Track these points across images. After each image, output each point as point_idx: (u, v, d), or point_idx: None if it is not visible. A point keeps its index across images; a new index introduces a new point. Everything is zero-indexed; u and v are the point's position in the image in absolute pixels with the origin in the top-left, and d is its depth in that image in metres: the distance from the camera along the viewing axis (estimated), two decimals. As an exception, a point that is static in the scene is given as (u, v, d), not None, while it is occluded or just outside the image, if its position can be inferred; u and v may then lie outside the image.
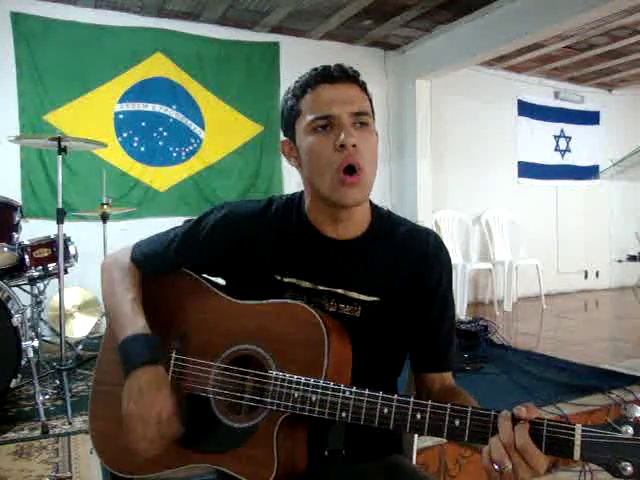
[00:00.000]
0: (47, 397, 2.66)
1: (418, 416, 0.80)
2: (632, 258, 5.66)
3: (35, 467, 2.00)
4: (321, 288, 1.01)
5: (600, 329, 4.76)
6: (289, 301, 0.96)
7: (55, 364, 2.77)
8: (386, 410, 0.82)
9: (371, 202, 1.07)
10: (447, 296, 1.05)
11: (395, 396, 0.82)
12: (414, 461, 1.14)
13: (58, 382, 2.76)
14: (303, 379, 0.87)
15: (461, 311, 4.96)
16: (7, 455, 2.10)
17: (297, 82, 1.00)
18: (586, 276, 6.84)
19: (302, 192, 1.07)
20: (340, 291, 1.01)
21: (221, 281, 1.10)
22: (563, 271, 6.56)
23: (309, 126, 0.96)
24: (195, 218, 1.09)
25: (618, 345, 4.10)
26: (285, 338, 0.92)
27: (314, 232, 1.03)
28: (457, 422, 0.78)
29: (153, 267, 1.08)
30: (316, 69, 0.98)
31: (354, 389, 0.85)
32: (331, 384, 0.86)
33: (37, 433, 2.29)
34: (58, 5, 4.22)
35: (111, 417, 1.04)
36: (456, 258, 5.50)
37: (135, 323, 0.97)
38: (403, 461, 1.07)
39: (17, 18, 4.10)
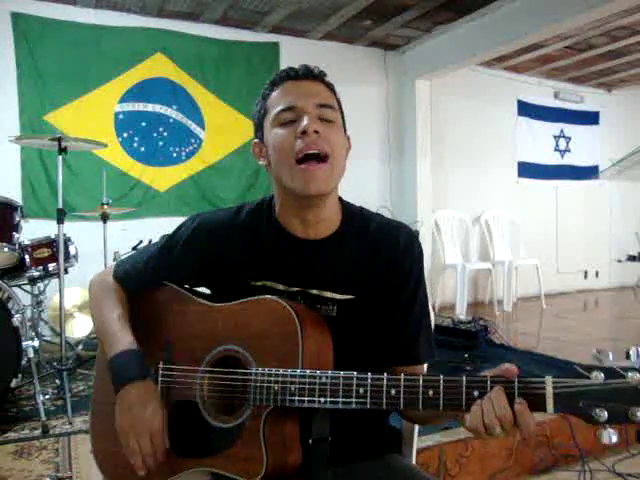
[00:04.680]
0: (47, 397, 2.66)
1: (393, 392, 0.81)
2: (632, 258, 5.68)
3: (35, 467, 2.00)
4: (295, 289, 1.01)
5: (600, 329, 4.75)
6: (262, 297, 0.96)
7: (55, 364, 2.77)
8: (362, 390, 0.83)
9: (341, 199, 1.08)
10: (417, 288, 1.04)
11: (369, 375, 0.83)
12: (414, 461, 1.14)
13: (58, 382, 2.77)
14: (281, 371, 0.88)
15: (461, 311, 4.96)
16: (7, 455, 2.10)
17: (265, 85, 1.03)
18: (586, 276, 6.84)
19: (272, 195, 1.07)
20: (314, 291, 1.01)
21: (206, 290, 1.11)
22: (563, 271, 6.56)
23: (275, 120, 0.98)
24: (169, 233, 1.11)
25: (618, 345, 4.10)
26: (262, 334, 0.92)
27: (284, 234, 1.03)
28: (431, 392, 0.79)
29: (135, 285, 1.10)
30: (283, 69, 1.01)
31: (329, 373, 0.86)
32: (307, 372, 0.87)
33: (37, 433, 2.30)
34: (58, 5, 4.22)
35: (111, 434, 1.05)
36: (456, 258, 5.51)
37: (122, 340, 0.98)
38: (402, 461, 1.07)
39: (17, 18, 4.09)
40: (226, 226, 1.06)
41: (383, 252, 1.02)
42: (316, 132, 0.94)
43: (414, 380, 0.80)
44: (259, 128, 1.04)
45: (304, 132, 0.94)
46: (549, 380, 0.73)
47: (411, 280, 1.03)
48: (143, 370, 0.96)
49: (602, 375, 0.71)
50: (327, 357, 0.93)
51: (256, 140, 1.05)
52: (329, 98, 1.00)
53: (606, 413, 0.69)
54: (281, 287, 1.02)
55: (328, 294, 1.01)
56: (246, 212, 1.07)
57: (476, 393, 0.76)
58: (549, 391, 0.72)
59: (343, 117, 1.04)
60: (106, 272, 1.14)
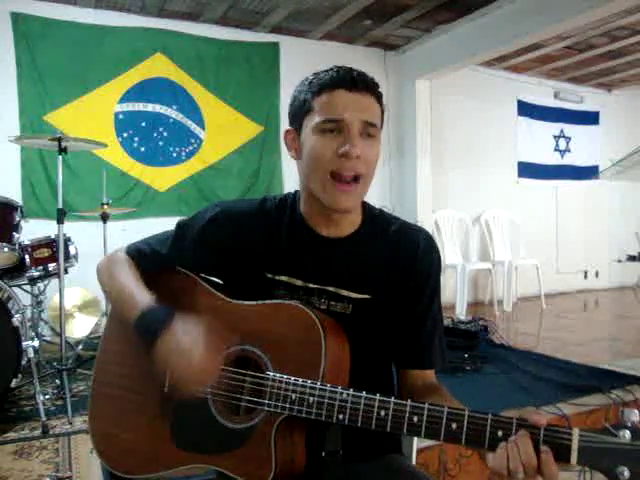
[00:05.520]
0: (47, 397, 2.66)
1: (415, 419, 0.80)
2: (632, 258, 5.66)
3: (35, 467, 2.00)
4: (312, 286, 1.02)
5: (600, 329, 4.75)
6: (286, 302, 0.96)
7: (55, 364, 2.78)
8: (383, 413, 0.82)
9: (363, 200, 1.08)
10: (433, 296, 1.05)
11: (392, 399, 0.82)
12: (414, 461, 1.14)
13: (58, 382, 2.76)
14: (300, 381, 0.87)
15: (461, 311, 4.96)
16: (7, 455, 2.10)
17: (316, 77, 0.98)
18: (586, 276, 6.84)
19: (297, 191, 1.07)
20: (331, 289, 1.01)
21: (218, 280, 1.10)
22: (563, 271, 6.56)
23: (318, 126, 0.95)
24: (187, 217, 1.10)
25: (618, 345, 4.10)
26: (282, 339, 0.92)
27: (307, 229, 1.04)
28: (454, 426, 0.78)
29: (147, 264, 1.09)
30: (338, 71, 0.97)
31: (351, 391, 0.85)
32: (328, 386, 0.86)
33: (37, 433, 2.30)
34: (58, 5, 4.22)
35: (111, 417, 1.04)
36: (456, 258, 5.51)
37: (144, 298, 0.99)
38: (402, 461, 1.07)
39: (17, 18, 4.09)
40: (248, 216, 1.06)
41: (402, 254, 1.03)
42: (357, 157, 0.93)
43: (438, 410, 0.79)
44: (297, 120, 1.01)
45: (344, 155, 0.93)
46: (576, 432, 0.72)
47: (429, 285, 1.04)
48: (172, 312, 0.96)
49: (629, 434, 0.70)
50: (345, 368, 0.93)
51: (291, 128, 1.03)
52: (376, 114, 0.98)
53: (628, 473, 0.69)
54: (299, 283, 1.02)
55: (344, 292, 1.01)
56: (270, 205, 1.07)
57: (500, 433, 0.75)
58: (575, 443, 0.71)
59: (383, 122, 1.02)
60: (115, 252, 1.13)
